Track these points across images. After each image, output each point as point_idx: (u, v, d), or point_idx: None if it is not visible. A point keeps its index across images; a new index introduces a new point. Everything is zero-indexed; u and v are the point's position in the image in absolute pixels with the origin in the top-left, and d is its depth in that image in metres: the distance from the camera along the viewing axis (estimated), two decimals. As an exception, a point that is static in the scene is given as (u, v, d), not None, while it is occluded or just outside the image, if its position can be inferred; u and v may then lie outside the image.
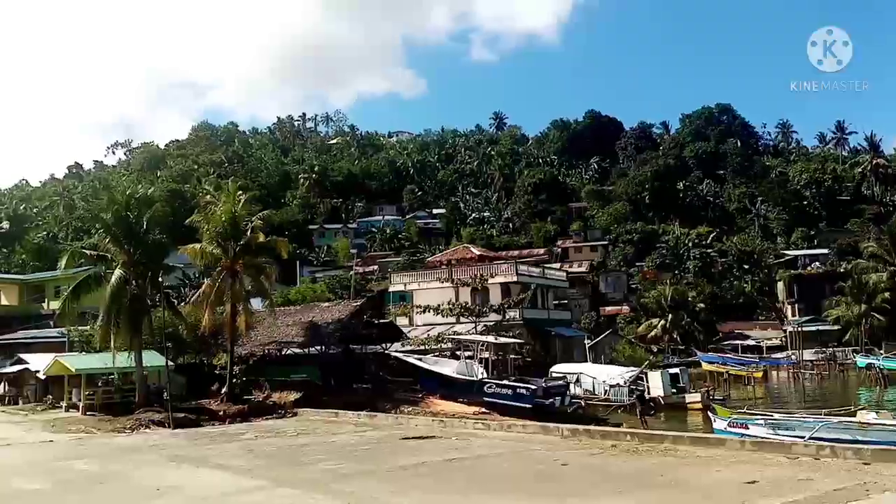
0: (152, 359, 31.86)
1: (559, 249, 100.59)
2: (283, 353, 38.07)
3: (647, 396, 36.39)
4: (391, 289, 62.04)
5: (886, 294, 73.53)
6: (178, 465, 17.18)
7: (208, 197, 36.96)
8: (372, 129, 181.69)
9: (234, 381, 33.17)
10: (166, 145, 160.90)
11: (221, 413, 29.86)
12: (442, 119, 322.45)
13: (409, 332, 49.12)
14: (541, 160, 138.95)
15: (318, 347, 38.10)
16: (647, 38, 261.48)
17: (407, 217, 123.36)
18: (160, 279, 31.58)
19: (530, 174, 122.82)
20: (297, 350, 38.26)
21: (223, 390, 32.50)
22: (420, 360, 38.08)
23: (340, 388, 34.85)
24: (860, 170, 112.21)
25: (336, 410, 28.79)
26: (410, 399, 34.25)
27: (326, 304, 45.65)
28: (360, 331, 39.26)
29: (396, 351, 41.61)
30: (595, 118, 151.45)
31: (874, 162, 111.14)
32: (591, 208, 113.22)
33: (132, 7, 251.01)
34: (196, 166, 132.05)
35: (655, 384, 39.38)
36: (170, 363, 30.83)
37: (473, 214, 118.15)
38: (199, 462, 17.36)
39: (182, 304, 38.86)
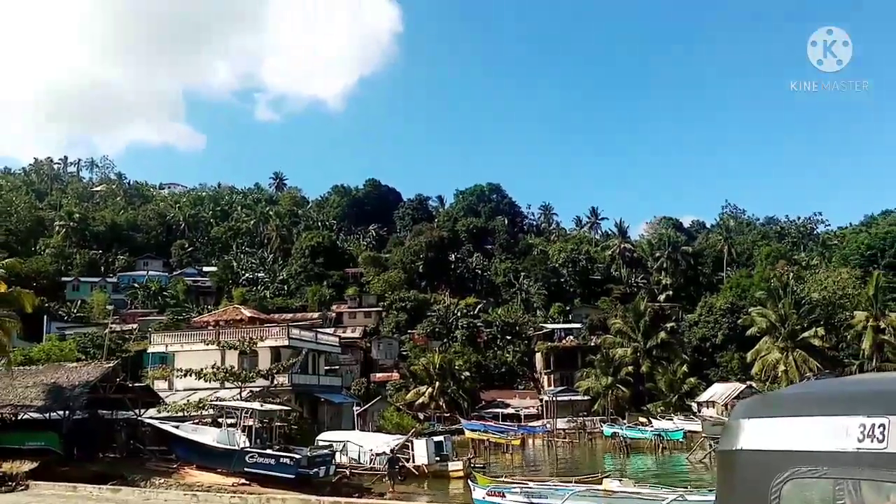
0: None
1: (334, 314, 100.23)
2: (19, 417, 34.20)
3: (397, 461, 36.60)
4: (151, 349, 58.12)
5: (630, 368, 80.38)
6: None
7: (-59, 240, 32.93)
8: (142, 179, 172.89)
9: (-45, 450, 29.12)
10: None
11: (-65, 488, 25.98)
12: (219, 175, 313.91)
13: (168, 396, 46.02)
14: (320, 224, 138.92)
15: (62, 412, 34.57)
16: (428, 116, 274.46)
17: (175, 273, 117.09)
18: None
19: (308, 237, 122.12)
20: (36, 415, 34.47)
21: (-61, 461, 28.37)
22: (177, 427, 35.70)
23: (85, 457, 31.93)
24: (610, 252, 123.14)
25: (75, 484, 26.07)
26: (164, 470, 31.96)
27: (75, 364, 41.69)
28: (111, 394, 36.25)
29: (152, 417, 38.79)
30: (375, 186, 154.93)
31: (622, 246, 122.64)
32: (368, 274, 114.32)
33: None
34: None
35: (420, 452, 39.84)
36: None
37: (247, 274, 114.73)
38: None
39: None
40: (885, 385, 3.78)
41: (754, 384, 70.85)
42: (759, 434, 3.43)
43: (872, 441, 3.10)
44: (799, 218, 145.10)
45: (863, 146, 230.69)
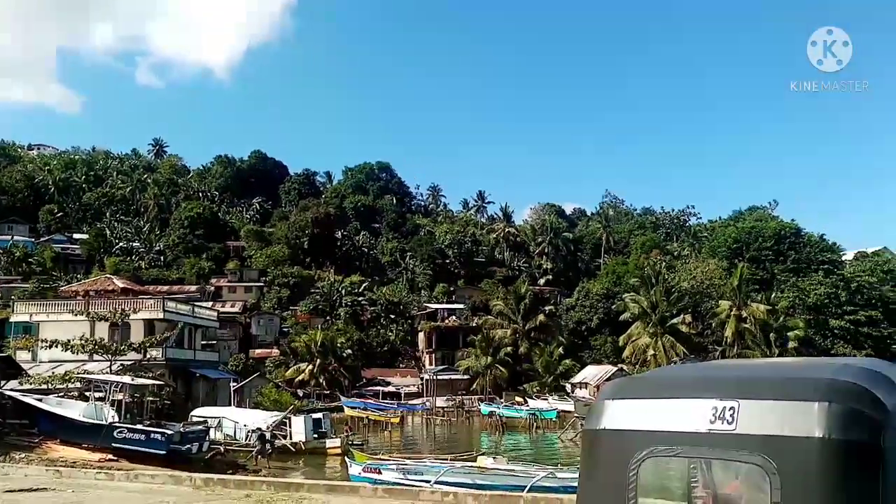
0: None
1: (213, 288, 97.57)
2: None
3: (267, 438, 36.22)
4: (13, 319, 54.99)
5: (509, 348, 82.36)
6: None
7: None
8: (9, 139, 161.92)
9: None
10: None
11: None
12: (96, 139, 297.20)
13: (32, 368, 43.79)
14: (201, 194, 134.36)
15: None
16: (318, 91, 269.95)
17: (42, 240, 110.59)
18: None
19: (188, 207, 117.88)
20: None
21: None
22: (40, 400, 34.00)
23: (-66, 432, 29.94)
24: (494, 236, 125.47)
25: (-77, 460, 24.45)
26: (25, 444, 30.44)
27: (-74, 332, 39.08)
28: (-33, 365, 34.13)
29: (13, 389, 36.73)
30: (261, 159, 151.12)
31: (506, 230, 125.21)
32: (250, 248, 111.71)
33: None
34: None
35: (298, 429, 39.59)
36: None
37: (121, 243, 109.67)
38: None
39: None
40: (739, 371, 4.06)
41: (625, 367, 73.98)
42: (620, 414, 3.61)
43: (723, 423, 3.32)
44: (673, 210, 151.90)
45: (735, 145, 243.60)
